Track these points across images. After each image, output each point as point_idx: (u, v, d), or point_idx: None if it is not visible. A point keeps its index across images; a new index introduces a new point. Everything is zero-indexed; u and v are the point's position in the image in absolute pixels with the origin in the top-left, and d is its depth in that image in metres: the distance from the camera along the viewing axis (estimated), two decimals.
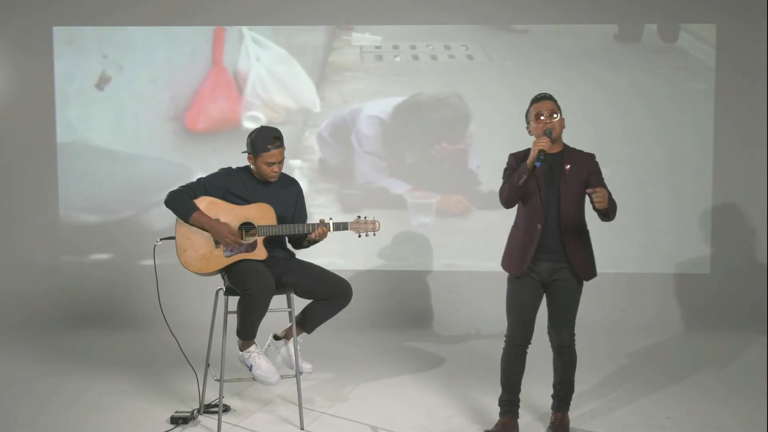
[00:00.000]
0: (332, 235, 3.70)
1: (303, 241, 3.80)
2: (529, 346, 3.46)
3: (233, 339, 3.65)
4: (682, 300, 5.66)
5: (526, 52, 5.75)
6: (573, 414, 3.66)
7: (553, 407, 3.59)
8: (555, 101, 3.40)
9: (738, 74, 5.64)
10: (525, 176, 3.26)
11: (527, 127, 3.44)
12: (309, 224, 3.68)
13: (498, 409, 3.55)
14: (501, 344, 3.51)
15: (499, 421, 3.52)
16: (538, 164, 3.23)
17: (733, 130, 5.67)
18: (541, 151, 3.23)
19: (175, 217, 3.65)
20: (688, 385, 4.28)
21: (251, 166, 3.73)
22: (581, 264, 3.37)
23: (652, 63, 5.71)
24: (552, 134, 3.29)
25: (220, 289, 3.74)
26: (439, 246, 5.81)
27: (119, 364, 4.73)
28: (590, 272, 3.42)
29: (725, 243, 5.69)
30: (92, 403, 4.00)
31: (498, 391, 3.49)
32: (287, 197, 3.80)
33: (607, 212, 3.29)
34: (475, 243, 5.75)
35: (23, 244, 5.93)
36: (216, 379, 3.62)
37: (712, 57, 5.65)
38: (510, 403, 3.50)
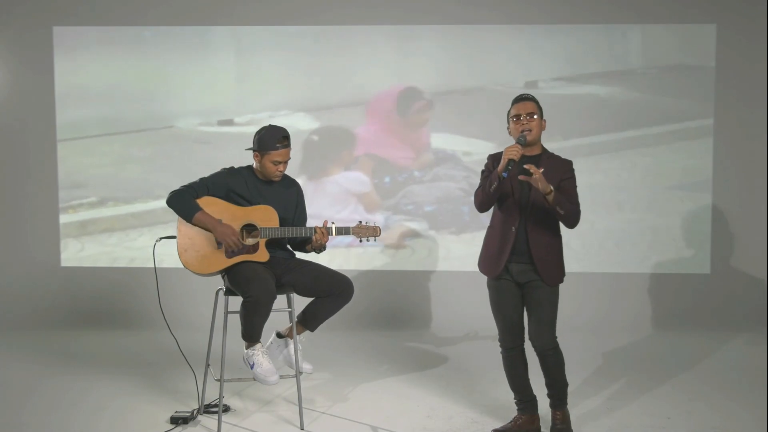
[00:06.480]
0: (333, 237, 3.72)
1: (305, 246, 3.80)
2: (524, 343, 3.48)
3: (233, 339, 3.66)
4: (682, 300, 5.66)
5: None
6: (573, 414, 3.66)
7: (551, 406, 3.57)
8: (536, 102, 3.39)
9: (738, 74, 5.64)
10: (496, 183, 3.28)
11: (507, 128, 3.43)
12: (311, 228, 3.69)
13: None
14: (499, 345, 3.52)
15: (514, 417, 3.56)
16: (505, 174, 3.21)
17: (732, 129, 5.67)
18: (510, 160, 3.23)
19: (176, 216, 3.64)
20: (689, 385, 4.28)
21: (255, 164, 3.73)
22: (545, 267, 3.35)
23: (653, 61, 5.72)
24: (525, 141, 3.30)
25: (221, 289, 3.73)
26: (439, 247, 5.81)
27: (119, 364, 4.73)
28: (555, 277, 3.39)
29: (725, 243, 5.68)
30: (93, 403, 4.00)
31: (497, 391, 3.50)
32: (288, 198, 3.80)
33: (562, 214, 3.28)
34: (475, 243, 5.74)
35: (24, 245, 5.92)
36: (216, 379, 3.62)
37: (712, 56, 5.65)
38: (521, 401, 3.54)
